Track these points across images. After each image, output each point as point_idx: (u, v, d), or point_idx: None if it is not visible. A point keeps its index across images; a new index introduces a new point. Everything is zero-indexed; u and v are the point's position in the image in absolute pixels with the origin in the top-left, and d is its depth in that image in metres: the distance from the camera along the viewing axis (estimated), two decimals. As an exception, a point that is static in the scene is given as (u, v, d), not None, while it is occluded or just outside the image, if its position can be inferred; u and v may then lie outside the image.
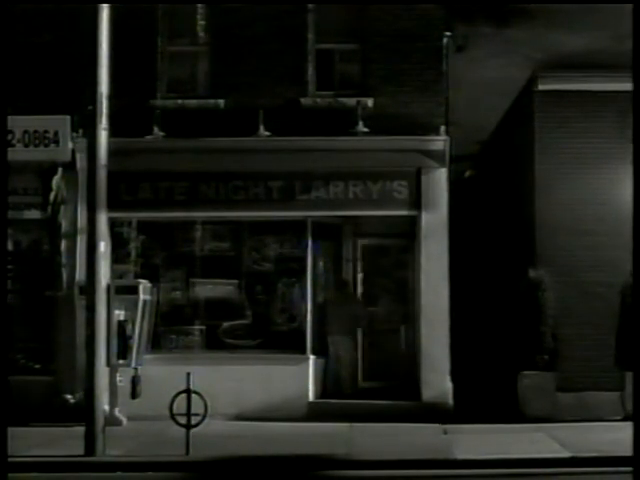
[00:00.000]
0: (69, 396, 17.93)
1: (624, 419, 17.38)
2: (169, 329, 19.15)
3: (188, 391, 14.82)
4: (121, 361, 17.53)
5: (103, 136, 14.83)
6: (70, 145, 18.29)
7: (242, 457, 14.71)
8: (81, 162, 17.75)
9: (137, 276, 18.78)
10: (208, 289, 19.26)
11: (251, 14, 18.84)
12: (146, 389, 17.56)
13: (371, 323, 19.62)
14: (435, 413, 17.90)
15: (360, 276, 19.82)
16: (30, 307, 18.68)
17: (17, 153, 17.66)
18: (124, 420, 17.55)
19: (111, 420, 17.08)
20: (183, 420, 14.84)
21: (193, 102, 18.98)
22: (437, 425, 17.26)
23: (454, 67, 19.65)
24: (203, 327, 19.16)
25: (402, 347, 19.58)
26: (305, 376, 18.64)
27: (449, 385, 18.35)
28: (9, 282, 17.92)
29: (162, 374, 17.43)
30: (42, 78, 18.42)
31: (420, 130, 18.59)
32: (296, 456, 14.74)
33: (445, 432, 16.79)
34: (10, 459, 12.58)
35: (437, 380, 18.32)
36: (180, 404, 14.92)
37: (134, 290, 17.76)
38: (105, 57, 14.92)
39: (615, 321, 17.84)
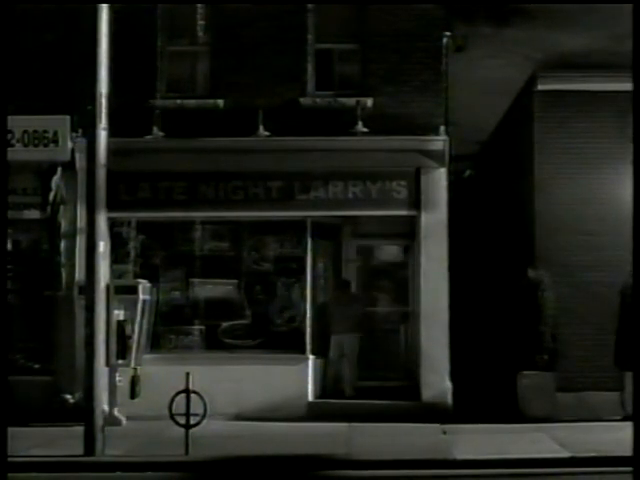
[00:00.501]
0: (68, 396, 17.91)
1: (624, 419, 17.35)
2: (168, 329, 19.13)
3: (187, 391, 14.80)
4: (120, 361, 17.52)
5: (102, 136, 14.82)
6: (70, 145, 18.28)
7: (241, 457, 14.71)
8: (80, 162, 17.73)
9: (137, 276, 18.76)
10: (207, 289, 19.26)
11: (250, 14, 18.82)
12: (145, 389, 17.56)
13: (370, 323, 19.57)
14: (434, 413, 17.88)
15: (359, 276, 19.80)
16: (29, 307, 18.67)
17: (16, 153, 17.63)
18: (123, 420, 17.54)
19: (110, 420, 17.07)
20: (182, 420, 14.82)
21: (192, 102, 18.97)
22: (436, 425, 17.23)
23: (454, 67, 19.66)
24: (202, 327, 19.14)
25: (402, 347, 19.60)
26: (304, 376, 18.62)
27: (448, 385, 18.34)
28: (8, 282, 17.88)
29: (161, 374, 17.41)
30: (42, 78, 18.42)
31: (419, 130, 18.58)
32: (295, 456, 14.75)
33: (444, 432, 16.77)
34: (9, 459, 12.58)
35: (436, 380, 18.31)
36: (179, 404, 14.91)
37: (133, 290, 17.76)
38: (105, 57, 14.91)
39: (615, 321, 17.79)
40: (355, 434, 16.64)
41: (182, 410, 14.84)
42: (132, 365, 17.65)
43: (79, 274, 17.75)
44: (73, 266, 18.32)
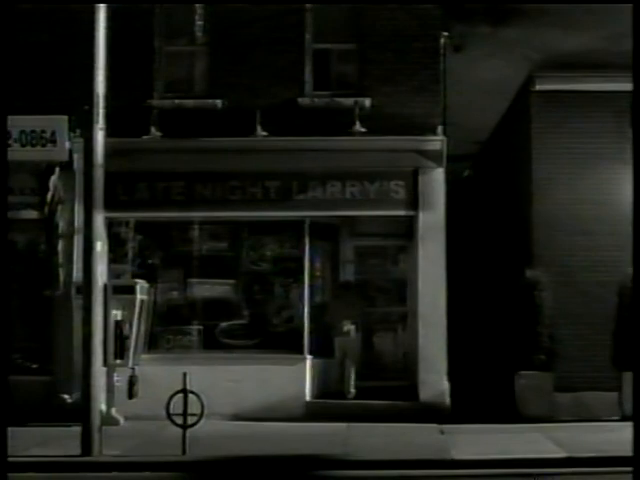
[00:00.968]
0: (66, 396, 17.90)
1: (622, 419, 17.38)
2: (166, 329, 19.14)
3: (184, 391, 14.79)
4: (118, 361, 17.53)
5: (100, 136, 14.81)
6: (67, 145, 18.27)
7: (239, 457, 14.70)
8: (78, 162, 17.64)
9: (135, 276, 18.76)
10: (205, 289, 19.26)
11: (248, 14, 18.84)
12: (143, 389, 17.56)
13: (369, 323, 19.55)
14: (432, 413, 17.89)
15: (357, 276, 19.79)
16: (27, 307, 18.67)
17: (14, 153, 17.59)
18: (121, 420, 17.55)
19: (108, 420, 17.07)
20: (180, 420, 14.82)
21: (190, 102, 18.98)
22: (434, 425, 17.24)
23: (453, 67, 19.67)
24: (200, 327, 19.15)
25: (400, 347, 19.57)
26: (302, 376, 18.62)
27: (446, 385, 18.35)
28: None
29: (159, 374, 17.39)
30: (39, 78, 18.42)
31: (417, 130, 18.58)
32: (293, 456, 14.73)
33: (442, 432, 16.76)
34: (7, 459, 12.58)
35: (434, 380, 18.32)
36: (177, 404, 14.89)
37: (131, 290, 17.75)
38: (102, 57, 14.89)
39: (612, 321, 17.78)
40: (353, 434, 16.64)
41: (180, 410, 14.81)
42: (130, 365, 17.66)
43: (77, 274, 17.73)
44: (71, 266, 18.30)
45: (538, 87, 18.92)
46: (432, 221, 18.59)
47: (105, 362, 17.25)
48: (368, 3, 19.02)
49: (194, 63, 19.38)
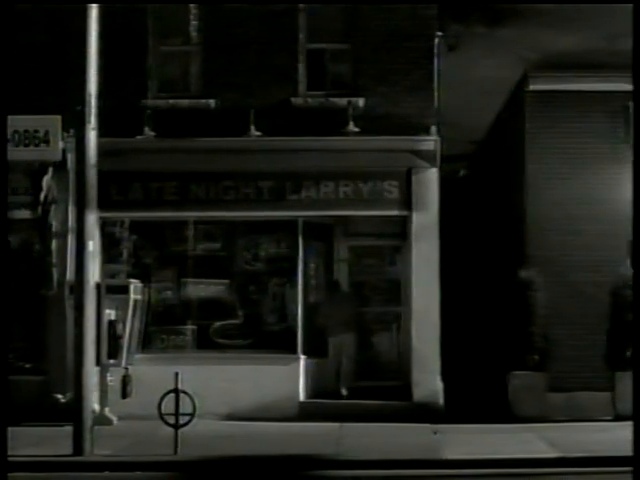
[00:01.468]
0: (60, 396, 17.88)
1: (615, 419, 17.39)
2: (160, 329, 19.14)
3: (176, 391, 14.79)
4: (112, 361, 17.53)
5: (92, 136, 14.80)
6: (61, 145, 18.26)
7: (230, 457, 14.69)
8: (72, 162, 17.65)
9: (129, 276, 18.76)
10: (199, 289, 19.27)
11: (242, 14, 18.84)
12: (137, 389, 17.55)
13: (362, 323, 19.55)
14: (426, 413, 17.89)
15: (351, 276, 19.80)
16: (21, 307, 18.64)
17: (7, 153, 17.58)
18: (115, 420, 17.55)
19: (101, 420, 17.10)
20: (172, 420, 14.82)
21: (184, 102, 18.99)
22: (427, 425, 17.23)
23: (448, 67, 19.68)
24: (194, 327, 19.15)
25: (393, 347, 19.58)
26: (296, 376, 18.63)
27: (440, 385, 18.36)
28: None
29: (153, 374, 17.35)
30: (33, 78, 18.40)
31: (411, 130, 18.58)
32: (285, 456, 14.73)
33: (435, 432, 16.75)
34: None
35: (428, 380, 18.32)
36: (170, 404, 14.89)
37: (125, 290, 17.76)
38: (94, 57, 14.86)
39: (606, 321, 17.79)
40: (346, 434, 16.64)
41: (172, 410, 14.81)
42: (123, 365, 17.65)
43: (70, 274, 17.69)
44: (64, 266, 18.27)
45: (532, 87, 18.93)
46: (426, 221, 18.59)
47: (98, 362, 17.30)
48: (363, 3, 19.01)
49: (188, 63, 19.35)
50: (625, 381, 17.45)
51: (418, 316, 18.52)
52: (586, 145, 18.60)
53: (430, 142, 18.65)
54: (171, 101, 18.98)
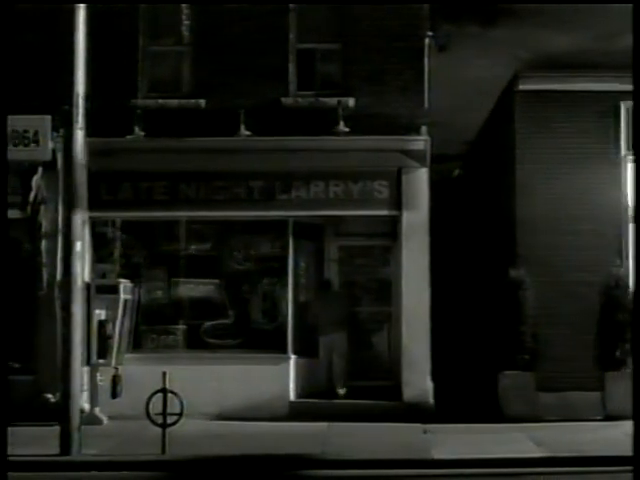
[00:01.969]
0: (49, 395, 17.88)
1: (605, 419, 17.40)
2: (151, 328, 19.15)
3: (164, 390, 14.80)
4: (101, 360, 17.55)
5: (79, 136, 14.81)
6: (50, 145, 18.27)
7: (218, 456, 14.70)
8: (62, 162, 17.72)
9: (119, 275, 18.77)
10: (190, 289, 19.28)
11: (232, 14, 18.84)
12: (127, 388, 17.54)
13: (353, 323, 19.52)
14: (416, 413, 17.88)
15: (342, 276, 19.79)
16: (11, 306, 18.61)
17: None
18: (105, 419, 17.56)
19: (92, 419, 17.17)
20: (160, 419, 14.82)
21: (174, 102, 18.98)
22: (417, 425, 17.23)
23: (442, 67, 19.69)
24: (185, 327, 19.16)
25: (384, 347, 19.59)
26: (286, 376, 18.62)
27: (430, 385, 18.37)
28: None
29: (143, 373, 17.33)
30: (23, 77, 18.39)
31: (401, 130, 18.59)
32: (273, 456, 14.75)
33: (425, 432, 16.77)
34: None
35: (418, 380, 18.32)
36: (159, 404, 14.88)
37: (115, 289, 17.77)
38: (82, 57, 14.88)
39: (596, 321, 17.77)
40: (335, 434, 16.64)
41: (161, 410, 14.82)
42: (113, 365, 17.66)
43: (60, 274, 17.73)
44: (54, 266, 18.26)
45: (522, 87, 18.91)
46: (416, 221, 18.59)
47: (88, 361, 17.38)
48: (355, 3, 19.01)
49: (178, 63, 19.32)
50: (615, 381, 17.51)
51: (408, 316, 18.51)
52: (576, 145, 18.59)
53: (420, 142, 18.65)
54: (161, 101, 18.98)
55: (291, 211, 18.86)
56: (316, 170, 18.65)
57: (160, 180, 18.79)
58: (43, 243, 18.50)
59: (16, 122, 17.95)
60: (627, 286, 17.95)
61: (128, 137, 18.69)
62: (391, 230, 19.12)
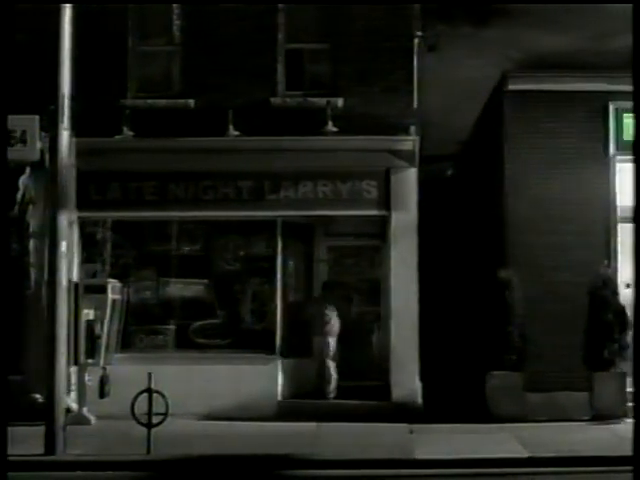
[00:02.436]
0: (37, 395, 17.88)
1: (592, 420, 17.40)
2: (140, 328, 19.17)
3: (149, 390, 14.82)
4: (90, 360, 17.57)
5: (65, 136, 14.82)
6: (39, 145, 18.28)
7: (204, 456, 14.71)
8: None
9: (108, 275, 18.79)
10: (178, 288, 19.33)
11: (221, 14, 18.86)
12: (116, 388, 17.49)
13: (342, 323, 19.51)
14: (404, 413, 17.89)
15: (331, 276, 19.79)
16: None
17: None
18: (93, 419, 17.57)
19: (80, 419, 17.20)
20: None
21: (163, 102, 19.01)
22: (405, 425, 17.24)
23: (435, 67, 19.71)
24: (173, 326, 19.20)
25: (373, 347, 19.60)
26: (274, 376, 18.64)
27: (418, 385, 18.39)
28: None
29: (132, 373, 17.30)
30: (10, 77, 18.35)
31: (390, 130, 18.60)
32: (259, 455, 14.77)
33: (411, 432, 16.78)
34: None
35: (406, 380, 18.37)
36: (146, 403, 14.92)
37: (103, 289, 17.78)
38: (67, 57, 14.89)
39: (584, 321, 17.77)
40: (322, 434, 16.68)
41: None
42: (101, 365, 17.66)
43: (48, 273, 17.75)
44: (42, 265, 18.24)
45: (511, 87, 18.89)
46: (404, 221, 18.61)
47: (76, 361, 17.39)
48: (347, 3, 19.02)
49: (166, 63, 19.37)
50: (603, 381, 17.52)
51: (397, 316, 18.56)
52: (565, 145, 18.58)
53: (409, 142, 18.66)
54: (150, 101, 19.00)
55: (280, 211, 18.89)
56: (305, 170, 18.68)
57: (149, 180, 18.83)
58: (31, 243, 18.53)
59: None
60: (615, 286, 17.93)
61: (117, 137, 18.71)
62: (380, 230, 19.13)
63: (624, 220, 18.40)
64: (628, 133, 18.49)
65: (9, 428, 16.19)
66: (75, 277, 18.26)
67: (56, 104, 14.75)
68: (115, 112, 18.72)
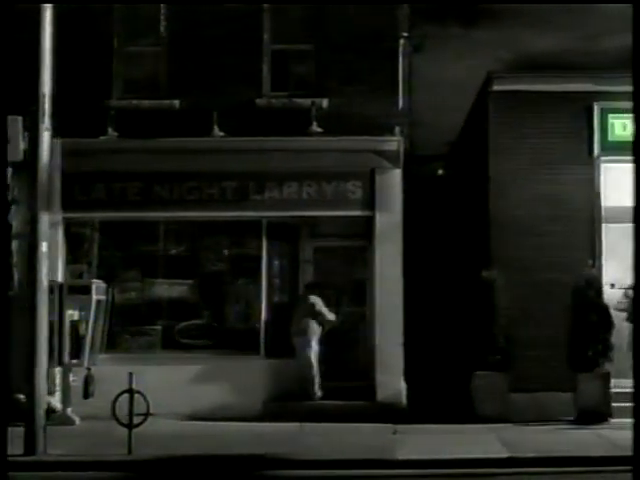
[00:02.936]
0: (21, 396, 17.84)
1: (576, 420, 17.39)
2: (125, 329, 19.19)
3: (130, 391, 14.83)
4: (74, 361, 17.58)
5: (46, 136, 14.82)
6: (22, 145, 18.24)
7: (185, 456, 14.70)
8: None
9: (93, 276, 18.79)
10: (164, 289, 19.33)
11: (206, 15, 18.87)
12: (101, 389, 17.45)
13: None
14: (389, 413, 17.90)
15: (317, 277, 19.77)
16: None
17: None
18: (77, 420, 17.57)
19: (64, 420, 17.23)
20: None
21: (148, 102, 19.03)
22: (389, 425, 17.24)
23: (425, 68, 19.72)
24: (159, 327, 19.22)
25: (358, 347, 19.55)
26: (259, 376, 18.60)
27: (403, 385, 18.41)
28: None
29: (117, 374, 17.28)
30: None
31: (375, 131, 18.61)
32: (241, 456, 14.75)
33: (394, 432, 16.78)
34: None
35: (391, 380, 18.40)
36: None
37: (87, 290, 17.79)
38: (48, 58, 14.88)
39: (568, 322, 17.76)
40: (306, 434, 16.70)
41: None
42: (86, 365, 17.68)
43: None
44: (25, 266, 18.25)
45: (496, 87, 18.82)
46: (389, 222, 18.64)
47: (61, 362, 17.40)
48: (334, 3, 19.02)
49: (152, 63, 19.38)
50: (587, 381, 17.51)
51: (382, 316, 18.59)
52: (549, 145, 18.54)
53: (393, 142, 18.68)
54: (135, 101, 19.04)
55: (265, 212, 18.93)
56: (290, 171, 18.71)
57: (134, 181, 18.87)
58: (14, 243, 18.52)
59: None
60: (599, 286, 17.92)
61: (102, 138, 18.76)
62: (365, 231, 19.12)
63: (608, 220, 18.43)
64: (613, 134, 18.52)
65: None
66: (60, 278, 18.28)
67: (37, 104, 14.72)
68: (100, 113, 18.76)
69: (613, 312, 17.85)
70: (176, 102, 18.93)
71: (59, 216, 18.42)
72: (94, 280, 18.24)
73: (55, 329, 17.21)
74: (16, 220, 18.48)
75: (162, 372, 17.87)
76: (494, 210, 18.72)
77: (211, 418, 17.86)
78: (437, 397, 19.24)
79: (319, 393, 18.73)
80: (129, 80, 19.28)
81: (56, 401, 17.54)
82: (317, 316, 18.71)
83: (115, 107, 18.92)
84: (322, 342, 18.87)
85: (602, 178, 18.60)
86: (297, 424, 17.36)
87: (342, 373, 19.08)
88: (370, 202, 18.74)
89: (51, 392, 17.29)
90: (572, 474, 13.68)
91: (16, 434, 15.46)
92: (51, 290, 16.81)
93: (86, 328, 17.71)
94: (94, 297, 17.81)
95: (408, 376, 18.51)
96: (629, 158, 17.88)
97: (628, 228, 18.19)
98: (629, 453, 13.93)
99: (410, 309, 18.76)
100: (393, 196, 18.69)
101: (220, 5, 18.79)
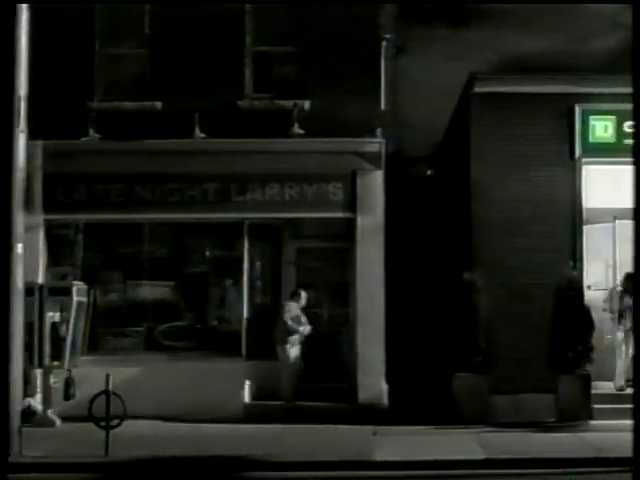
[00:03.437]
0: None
1: (558, 421, 17.39)
2: (107, 331, 19.18)
3: (107, 392, 14.83)
4: (55, 362, 17.57)
5: (21, 139, 14.79)
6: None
7: (164, 457, 14.70)
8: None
9: (75, 278, 18.80)
10: (146, 291, 19.32)
11: (188, 16, 18.87)
12: (82, 390, 17.43)
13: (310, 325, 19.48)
14: (371, 414, 17.90)
15: (299, 278, 19.74)
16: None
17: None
18: (58, 421, 17.56)
19: (44, 421, 17.22)
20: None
21: (130, 104, 19.01)
22: (369, 427, 17.23)
23: (410, 69, 19.72)
24: (141, 329, 19.21)
25: (340, 349, 19.53)
26: (241, 378, 18.61)
27: (384, 387, 18.40)
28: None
29: (99, 375, 17.29)
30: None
31: (357, 132, 18.60)
32: (221, 457, 14.75)
33: (374, 434, 16.77)
34: None
35: (372, 382, 18.39)
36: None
37: (67, 292, 17.78)
38: (23, 60, 14.81)
39: (549, 323, 17.74)
40: (286, 436, 16.65)
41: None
42: (66, 367, 17.67)
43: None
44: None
45: (477, 89, 18.81)
46: (371, 223, 18.65)
47: (41, 364, 17.40)
48: (322, 3, 19.01)
49: (134, 65, 19.37)
50: (567, 383, 17.50)
51: (363, 318, 18.59)
52: (531, 147, 18.52)
53: (375, 144, 18.69)
54: (116, 103, 19.02)
55: (246, 213, 18.94)
56: (271, 172, 18.71)
57: (115, 182, 18.88)
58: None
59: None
60: (580, 287, 17.92)
61: (83, 139, 18.76)
62: (347, 232, 19.10)
63: (590, 222, 18.44)
64: (594, 135, 18.52)
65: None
66: (40, 279, 18.28)
67: (12, 106, 14.69)
68: (82, 114, 18.75)
69: (594, 314, 17.86)
70: (158, 104, 18.92)
71: (40, 218, 18.41)
72: (75, 282, 18.22)
73: (35, 330, 17.25)
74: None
75: (143, 373, 17.88)
76: (476, 211, 18.70)
77: (193, 420, 17.81)
78: (418, 398, 19.23)
79: (293, 400, 18.60)
80: (111, 81, 19.24)
81: (37, 403, 17.53)
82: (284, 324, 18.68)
83: (97, 109, 18.92)
84: (303, 344, 18.78)
85: (583, 180, 18.58)
86: (279, 426, 17.33)
87: (324, 374, 19.05)
88: (351, 204, 18.75)
89: (32, 394, 17.36)
90: (549, 475, 13.68)
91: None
92: (31, 292, 16.97)
93: (67, 330, 17.67)
94: (75, 299, 17.78)
95: (389, 377, 18.49)
96: (610, 160, 18.06)
97: (609, 229, 18.33)
98: (608, 455, 14.13)
99: (392, 311, 18.77)
100: (375, 198, 18.69)
101: (202, 6, 18.77)
